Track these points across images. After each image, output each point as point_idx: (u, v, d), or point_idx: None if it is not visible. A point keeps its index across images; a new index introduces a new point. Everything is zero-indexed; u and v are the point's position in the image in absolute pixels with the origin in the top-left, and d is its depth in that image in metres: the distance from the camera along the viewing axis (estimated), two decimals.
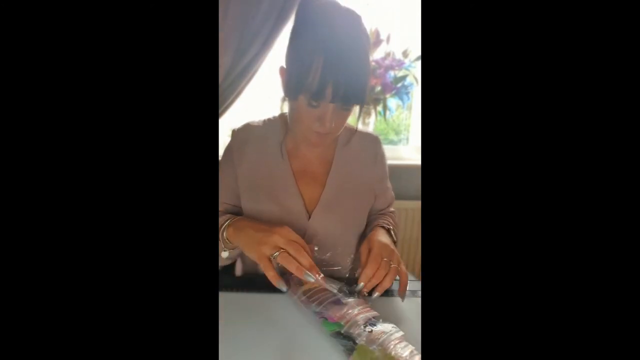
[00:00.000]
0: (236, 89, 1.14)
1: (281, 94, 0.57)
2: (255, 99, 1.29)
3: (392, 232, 0.62)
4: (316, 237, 0.62)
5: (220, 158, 0.67)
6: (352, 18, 0.50)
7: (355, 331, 0.39)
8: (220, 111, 1.17)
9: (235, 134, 0.66)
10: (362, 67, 0.51)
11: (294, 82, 0.51)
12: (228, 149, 0.66)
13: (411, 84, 1.29)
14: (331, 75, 0.48)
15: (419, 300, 0.53)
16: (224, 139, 1.38)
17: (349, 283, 0.54)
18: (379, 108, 1.28)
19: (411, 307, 0.51)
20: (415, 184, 1.36)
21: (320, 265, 0.62)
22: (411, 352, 0.37)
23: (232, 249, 0.56)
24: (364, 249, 0.53)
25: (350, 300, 0.45)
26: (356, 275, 0.52)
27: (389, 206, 0.72)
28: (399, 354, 0.36)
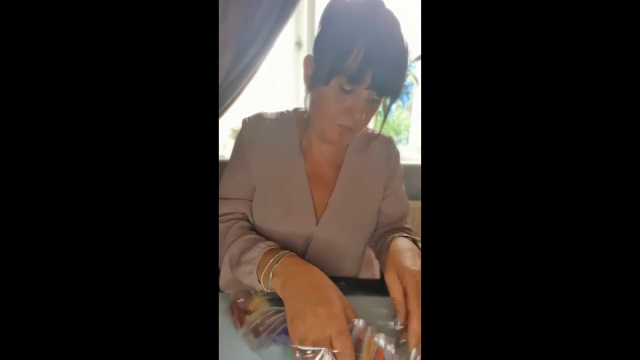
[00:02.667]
0: (236, 89, 1.14)
1: (302, 86, 0.55)
2: (256, 99, 1.29)
3: (417, 243, 0.52)
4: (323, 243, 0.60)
5: (232, 150, 0.63)
6: (392, 18, 0.49)
7: (320, 348, 0.36)
8: (220, 111, 1.17)
9: (247, 123, 0.62)
10: (402, 62, 0.49)
11: (329, 64, 0.48)
12: (239, 139, 0.62)
13: (411, 84, 1.29)
14: (373, 60, 0.46)
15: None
16: (224, 139, 1.38)
17: (357, 284, 0.53)
18: (379, 108, 1.28)
19: None
20: (415, 184, 1.36)
21: (327, 270, 0.60)
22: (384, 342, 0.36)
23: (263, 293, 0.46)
24: (393, 279, 0.42)
25: None
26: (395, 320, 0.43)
27: (403, 219, 0.66)
28: (377, 344, 0.36)
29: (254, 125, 0.62)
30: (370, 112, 0.52)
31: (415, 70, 1.29)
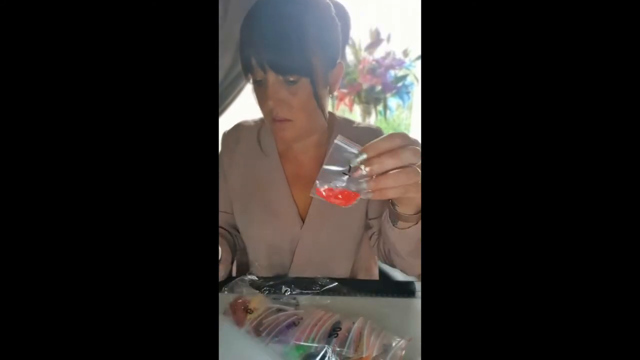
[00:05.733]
0: (236, 88, 1.14)
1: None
2: (254, 98, 1.29)
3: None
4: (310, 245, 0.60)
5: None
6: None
7: (324, 345, 0.37)
8: (220, 110, 1.17)
9: (225, 136, 0.64)
10: (294, 34, 0.47)
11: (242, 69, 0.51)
12: (219, 153, 0.63)
13: (411, 84, 1.29)
14: (252, 45, 0.47)
15: (419, 301, 0.53)
16: None
17: (357, 285, 0.53)
18: (380, 108, 1.28)
19: (411, 307, 0.51)
20: None
21: (318, 271, 0.59)
22: (380, 346, 0.37)
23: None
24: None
25: (305, 313, 0.42)
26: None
27: None
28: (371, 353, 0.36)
29: (232, 136, 0.63)
30: (287, 96, 0.50)
31: (415, 70, 1.29)
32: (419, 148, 0.35)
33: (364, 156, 0.34)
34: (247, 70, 0.50)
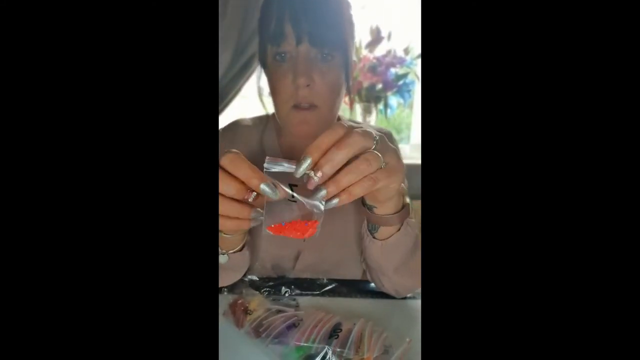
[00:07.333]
0: (235, 86, 1.14)
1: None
2: (255, 96, 1.29)
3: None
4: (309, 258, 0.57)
5: None
6: None
7: (324, 345, 0.37)
8: (219, 108, 1.17)
9: (222, 134, 0.59)
10: (331, 5, 0.45)
11: (260, 43, 0.46)
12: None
13: (412, 82, 1.29)
14: (289, 11, 0.42)
15: (419, 302, 0.53)
16: None
17: (360, 286, 0.52)
18: (380, 106, 1.28)
19: (411, 309, 0.51)
20: (416, 183, 1.35)
21: (326, 276, 0.56)
22: (381, 347, 0.37)
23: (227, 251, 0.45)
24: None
25: (305, 314, 0.41)
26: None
27: None
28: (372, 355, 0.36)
29: (228, 135, 0.58)
30: (318, 72, 0.44)
31: (416, 68, 1.28)
32: (369, 129, 0.31)
33: (309, 160, 0.30)
34: (274, 41, 0.44)
